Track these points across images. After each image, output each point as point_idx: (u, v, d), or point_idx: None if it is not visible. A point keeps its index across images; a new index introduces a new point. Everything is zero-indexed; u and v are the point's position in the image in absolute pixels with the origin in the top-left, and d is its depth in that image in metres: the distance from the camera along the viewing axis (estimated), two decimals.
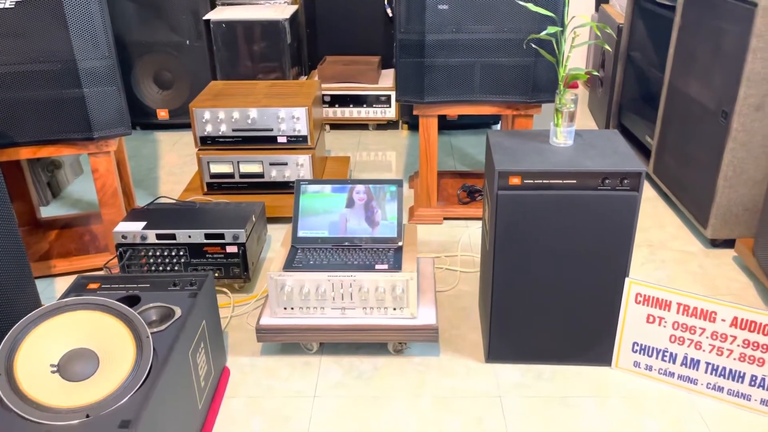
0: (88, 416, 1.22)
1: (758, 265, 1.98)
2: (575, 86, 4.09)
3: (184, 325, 1.44)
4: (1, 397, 1.23)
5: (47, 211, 2.64)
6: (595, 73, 1.51)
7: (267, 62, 3.27)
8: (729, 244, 2.25)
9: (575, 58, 4.20)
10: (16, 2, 1.78)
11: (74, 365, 1.31)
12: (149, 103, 3.38)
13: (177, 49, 3.28)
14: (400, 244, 1.77)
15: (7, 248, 1.56)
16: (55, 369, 1.30)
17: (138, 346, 1.34)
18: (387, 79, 3.44)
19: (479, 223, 2.46)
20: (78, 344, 1.33)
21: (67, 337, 1.34)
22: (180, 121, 3.42)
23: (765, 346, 1.50)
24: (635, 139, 2.99)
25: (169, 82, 3.36)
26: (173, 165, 3.07)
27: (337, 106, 3.35)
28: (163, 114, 3.38)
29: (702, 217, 2.25)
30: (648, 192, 2.70)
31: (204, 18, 3.22)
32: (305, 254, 1.74)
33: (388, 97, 3.33)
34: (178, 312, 1.49)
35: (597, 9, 3.73)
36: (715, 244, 2.27)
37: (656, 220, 2.46)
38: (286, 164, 2.41)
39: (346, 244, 1.77)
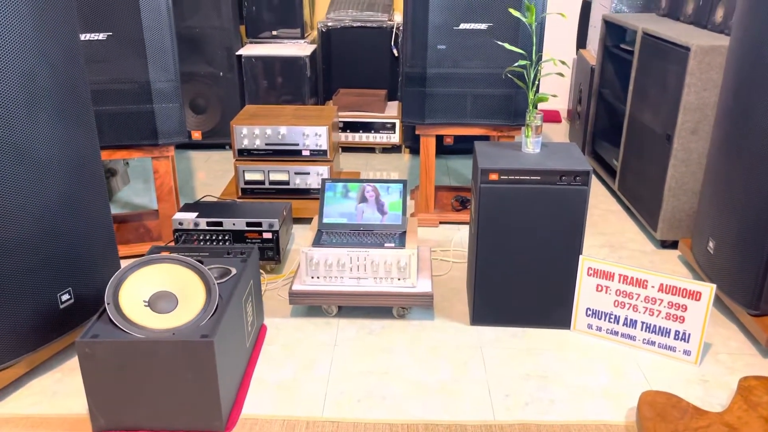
0: (173, 334, 1.66)
1: (694, 259, 2.44)
2: (558, 119, 4.61)
3: (239, 280, 1.89)
4: (111, 318, 1.67)
5: None
6: (555, 96, 1.99)
7: (289, 92, 3.78)
8: (676, 245, 2.71)
9: (561, 93, 4.73)
10: (108, 36, 2.28)
11: (160, 302, 1.75)
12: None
13: (211, 79, 3.79)
14: (404, 230, 2.23)
15: (102, 227, 2.01)
16: (146, 304, 1.74)
17: (207, 291, 1.78)
18: (392, 109, 3.95)
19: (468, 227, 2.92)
20: (162, 288, 1.77)
21: (155, 282, 1.78)
22: (211, 142, 3.91)
23: (684, 307, 1.95)
24: (605, 164, 3.48)
25: (203, 108, 3.86)
26: (206, 178, 3.55)
27: (348, 131, 3.85)
28: (196, 135, 3.88)
29: (653, 223, 2.71)
30: (614, 206, 3.17)
31: (237, 53, 3.74)
32: (329, 236, 2.19)
33: (393, 124, 3.83)
34: (234, 271, 1.94)
35: (577, 52, 4.27)
36: (665, 245, 2.73)
37: (618, 228, 2.93)
38: (308, 174, 2.89)
39: (361, 229, 2.23)
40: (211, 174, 3.61)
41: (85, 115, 1.88)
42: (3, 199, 1.69)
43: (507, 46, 2.07)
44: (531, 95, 2.05)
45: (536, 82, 2.06)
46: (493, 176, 2.00)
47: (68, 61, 1.80)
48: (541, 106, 4.92)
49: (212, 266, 1.96)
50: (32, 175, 1.74)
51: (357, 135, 3.86)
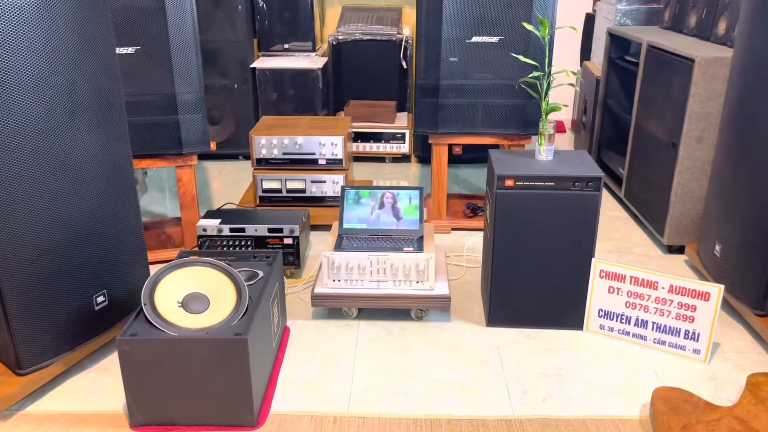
0: (207, 333, 1.74)
1: (700, 262, 2.52)
2: (563, 129, 4.70)
3: (266, 283, 1.97)
4: (148, 318, 1.75)
5: None
6: (566, 105, 2.08)
7: (301, 104, 3.88)
8: (682, 250, 2.80)
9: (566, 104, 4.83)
10: (136, 50, 2.38)
11: (193, 303, 1.83)
12: None
13: (226, 91, 3.89)
14: (421, 234, 2.31)
15: (134, 232, 2.09)
16: (180, 305, 1.82)
17: (238, 293, 1.86)
18: (402, 119, 4.05)
19: (481, 233, 3.00)
20: (195, 289, 1.85)
21: (188, 284, 1.85)
22: (226, 152, 4.00)
23: (693, 307, 2.03)
24: (611, 172, 3.57)
25: (218, 119, 3.95)
26: (222, 187, 3.63)
27: (359, 141, 3.95)
28: (211, 146, 3.96)
29: (659, 228, 2.80)
30: (620, 213, 3.26)
31: (251, 66, 3.84)
32: (349, 240, 2.28)
33: (403, 134, 3.92)
34: (261, 274, 2.02)
35: (581, 64, 4.37)
36: (672, 250, 2.81)
37: (625, 233, 3.01)
38: (324, 182, 2.97)
39: (380, 234, 2.31)
40: (227, 183, 3.69)
41: (120, 125, 1.97)
42: (45, 205, 1.77)
43: (521, 58, 2.16)
44: (544, 105, 2.14)
45: (548, 92, 2.15)
46: (509, 182, 2.08)
47: (106, 73, 1.89)
48: None
49: (240, 269, 2.04)
50: (72, 183, 1.82)
51: (368, 145, 3.95)
